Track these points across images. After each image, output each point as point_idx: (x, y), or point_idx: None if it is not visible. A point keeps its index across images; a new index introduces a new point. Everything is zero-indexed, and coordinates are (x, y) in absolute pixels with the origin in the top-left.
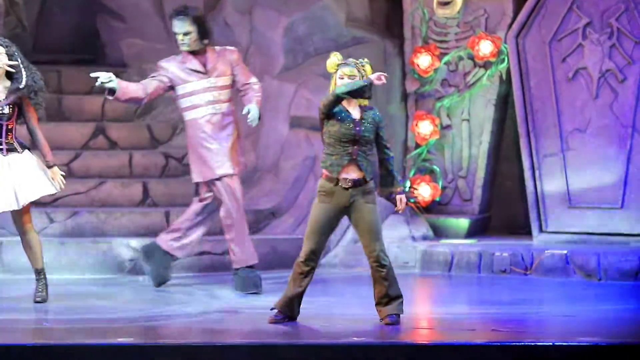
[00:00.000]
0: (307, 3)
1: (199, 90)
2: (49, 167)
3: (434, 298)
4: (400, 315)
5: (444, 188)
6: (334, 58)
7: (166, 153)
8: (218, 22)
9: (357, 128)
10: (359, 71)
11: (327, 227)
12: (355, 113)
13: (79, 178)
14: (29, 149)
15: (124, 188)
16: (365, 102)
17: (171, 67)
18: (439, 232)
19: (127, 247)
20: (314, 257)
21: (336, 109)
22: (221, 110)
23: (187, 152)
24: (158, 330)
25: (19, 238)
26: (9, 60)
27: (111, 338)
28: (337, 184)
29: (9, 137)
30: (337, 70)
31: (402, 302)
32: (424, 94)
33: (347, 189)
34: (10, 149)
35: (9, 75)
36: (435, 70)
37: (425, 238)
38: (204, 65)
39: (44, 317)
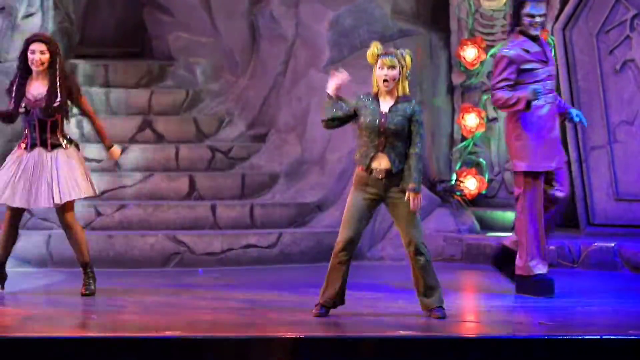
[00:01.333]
0: None
1: (542, 77)
2: (109, 148)
3: (480, 291)
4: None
5: (490, 181)
6: (374, 48)
7: (212, 146)
8: (264, 15)
9: (382, 120)
10: (399, 62)
11: (363, 216)
12: (386, 105)
13: (126, 171)
14: (77, 146)
15: (170, 181)
16: (405, 91)
17: (517, 55)
18: (485, 225)
19: (174, 241)
20: (349, 246)
21: (366, 102)
22: (555, 100)
23: (512, 139)
24: (204, 323)
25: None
26: (50, 58)
27: (158, 331)
28: (371, 173)
29: (55, 133)
30: (378, 60)
31: (441, 292)
32: (470, 86)
33: (380, 179)
34: (55, 145)
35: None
36: (482, 62)
37: (471, 231)
38: (544, 52)
39: (92, 310)
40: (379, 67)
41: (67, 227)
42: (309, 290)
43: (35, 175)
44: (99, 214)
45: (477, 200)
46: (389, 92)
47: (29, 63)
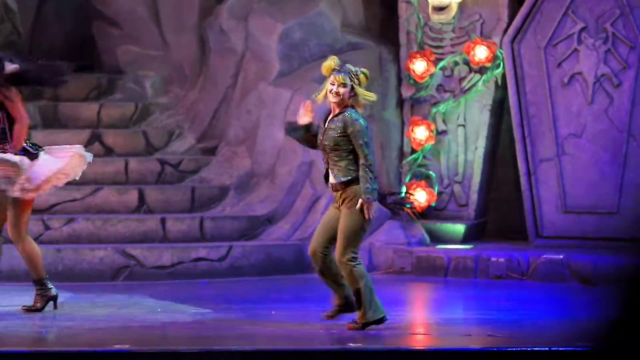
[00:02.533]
0: (302, 9)
1: None
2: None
3: (430, 303)
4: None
5: (439, 193)
6: (331, 62)
7: (162, 159)
8: (214, 28)
9: (321, 137)
10: (351, 79)
11: (326, 227)
12: (327, 122)
13: (74, 185)
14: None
15: (119, 194)
16: (347, 103)
17: None
18: (435, 238)
19: (123, 254)
20: (313, 258)
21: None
22: None
23: None
24: (154, 336)
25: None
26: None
27: (107, 345)
28: (331, 187)
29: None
30: (331, 75)
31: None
32: (420, 99)
33: (336, 191)
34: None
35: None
36: (431, 75)
37: (421, 243)
38: None
39: (40, 324)
40: (330, 82)
41: (18, 241)
42: (259, 304)
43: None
44: (47, 227)
45: (427, 213)
46: (337, 105)
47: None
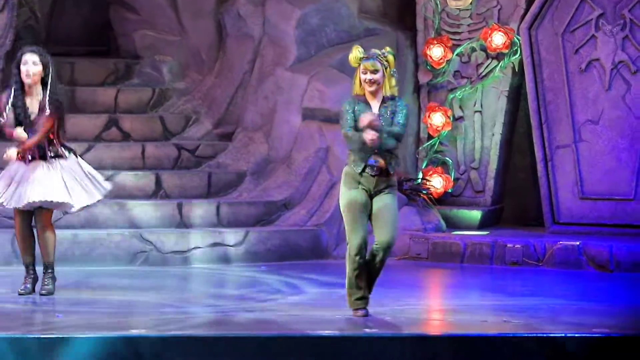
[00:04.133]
0: None
1: None
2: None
3: (445, 289)
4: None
5: (456, 179)
6: (356, 52)
7: (179, 145)
8: (231, 14)
9: (375, 122)
10: (381, 64)
11: (365, 213)
12: (375, 106)
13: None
14: (75, 153)
15: (136, 179)
16: (393, 91)
17: None
18: (451, 224)
19: (140, 239)
20: (364, 249)
21: (359, 107)
22: None
23: None
24: (170, 321)
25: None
26: (44, 69)
27: (124, 330)
28: (363, 170)
29: (54, 144)
30: (360, 64)
31: (367, 300)
32: (437, 85)
33: (373, 176)
34: (57, 156)
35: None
36: (448, 61)
37: (437, 229)
38: None
39: (57, 309)
40: (362, 72)
41: (42, 226)
42: (275, 289)
43: (30, 175)
44: (64, 212)
45: (443, 199)
46: (375, 94)
47: (22, 75)
